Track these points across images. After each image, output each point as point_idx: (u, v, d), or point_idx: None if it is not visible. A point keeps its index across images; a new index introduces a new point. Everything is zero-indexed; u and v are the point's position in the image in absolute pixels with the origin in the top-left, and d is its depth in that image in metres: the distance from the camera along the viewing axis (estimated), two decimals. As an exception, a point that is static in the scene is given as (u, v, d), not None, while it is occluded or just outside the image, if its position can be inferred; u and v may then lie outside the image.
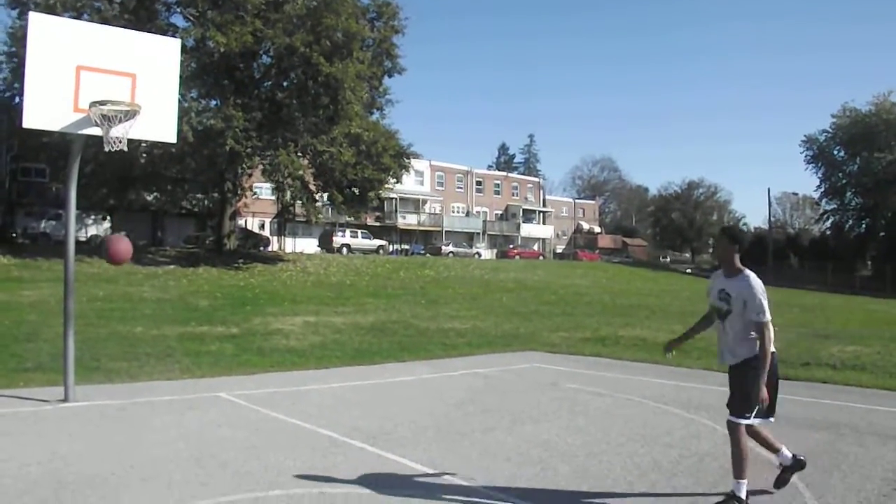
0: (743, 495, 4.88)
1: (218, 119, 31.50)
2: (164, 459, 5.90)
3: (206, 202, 45.40)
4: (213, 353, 12.45)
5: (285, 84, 35.84)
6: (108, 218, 46.80)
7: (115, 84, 7.92)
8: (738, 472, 4.92)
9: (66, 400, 8.18)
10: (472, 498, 5.22)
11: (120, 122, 7.84)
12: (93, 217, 45.03)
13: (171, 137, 8.76)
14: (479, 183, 75.96)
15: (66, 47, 7.80)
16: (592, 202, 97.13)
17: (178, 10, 35.58)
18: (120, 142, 7.91)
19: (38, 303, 18.27)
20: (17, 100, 35.58)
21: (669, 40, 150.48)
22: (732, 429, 5.01)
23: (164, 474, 5.22)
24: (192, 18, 34.38)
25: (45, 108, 7.71)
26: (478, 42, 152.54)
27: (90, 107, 7.74)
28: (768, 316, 4.93)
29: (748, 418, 4.95)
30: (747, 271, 5.07)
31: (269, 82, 36.76)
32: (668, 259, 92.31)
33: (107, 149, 7.86)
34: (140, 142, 19.76)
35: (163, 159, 33.89)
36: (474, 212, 73.80)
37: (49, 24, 7.93)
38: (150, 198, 42.37)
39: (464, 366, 12.39)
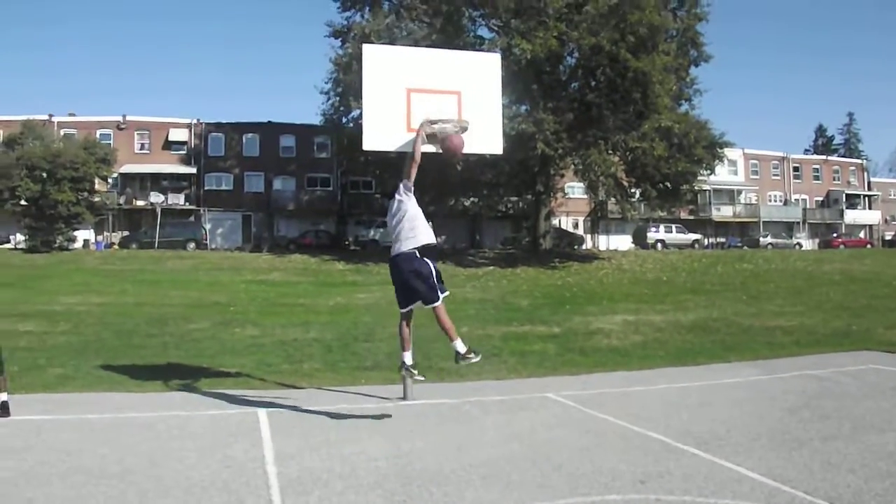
0: (409, 361, 7.70)
1: (529, 123, 32.44)
2: (501, 459, 6.10)
3: (520, 204, 47.04)
4: (537, 352, 12.74)
5: (593, 83, 35.92)
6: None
7: (443, 102, 8.33)
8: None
9: (404, 398, 8.72)
10: (820, 516, 4.74)
11: (450, 138, 8.26)
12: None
13: (498, 149, 8.91)
14: (795, 169, 71.51)
15: (397, 72, 8.37)
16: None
17: (483, 22, 37.27)
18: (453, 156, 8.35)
19: (371, 305, 20.07)
20: (343, 120, 39.43)
21: None
22: None
23: (502, 474, 5.39)
24: (496, 29, 35.82)
25: (382, 130, 8.36)
26: (788, 18, 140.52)
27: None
28: None
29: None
30: None
31: (577, 83, 37.07)
32: None
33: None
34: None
35: (478, 165, 35.63)
36: (792, 200, 69.77)
37: (381, 53, 8.62)
38: (467, 203, 44.78)
39: (793, 367, 11.38)
